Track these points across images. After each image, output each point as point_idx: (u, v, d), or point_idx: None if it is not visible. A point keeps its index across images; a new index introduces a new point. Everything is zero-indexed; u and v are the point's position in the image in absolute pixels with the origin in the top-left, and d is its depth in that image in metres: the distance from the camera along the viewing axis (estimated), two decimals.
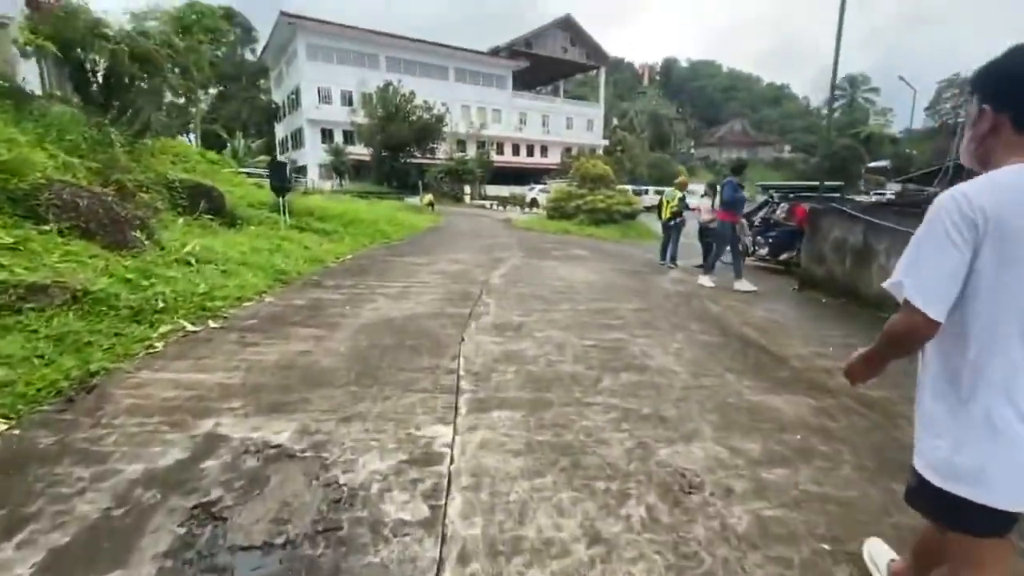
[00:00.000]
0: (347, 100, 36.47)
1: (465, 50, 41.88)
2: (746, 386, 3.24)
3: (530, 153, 46.87)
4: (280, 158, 8.53)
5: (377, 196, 24.25)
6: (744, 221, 8.31)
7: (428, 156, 29.87)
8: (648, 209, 25.13)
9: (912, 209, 4.98)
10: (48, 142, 6.16)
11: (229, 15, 48.64)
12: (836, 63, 6.60)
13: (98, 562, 1.60)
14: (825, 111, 69.30)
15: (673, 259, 9.24)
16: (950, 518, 1.12)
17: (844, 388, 3.28)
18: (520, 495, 2.02)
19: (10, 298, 3.49)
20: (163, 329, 4.05)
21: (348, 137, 34.91)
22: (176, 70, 7.69)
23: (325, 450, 2.34)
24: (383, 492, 2.03)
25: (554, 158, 45.67)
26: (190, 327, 4.21)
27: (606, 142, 48.46)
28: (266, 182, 10.98)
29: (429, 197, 23.29)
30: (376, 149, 28.52)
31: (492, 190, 35.28)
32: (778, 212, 9.73)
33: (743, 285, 6.49)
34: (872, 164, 53.89)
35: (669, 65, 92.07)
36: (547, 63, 45.89)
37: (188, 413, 2.72)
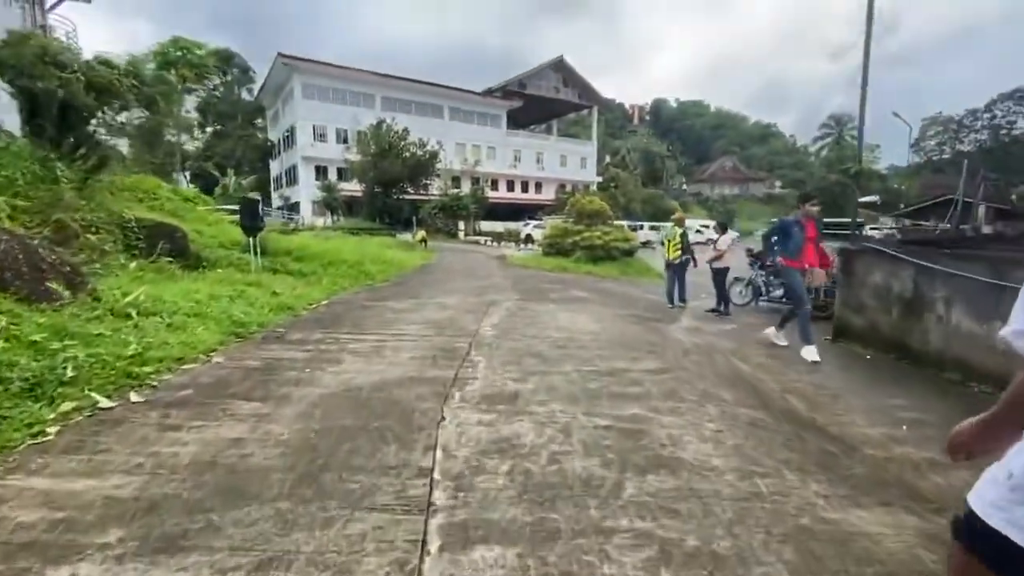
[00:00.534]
0: (342, 138, 36.68)
1: (460, 90, 42.59)
2: (817, 493, 2.41)
3: (524, 189, 47.07)
4: (252, 195, 7.76)
5: (369, 232, 23.70)
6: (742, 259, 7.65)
7: (422, 192, 29.63)
8: (644, 244, 24.74)
9: (966, 251, 4.28)
10: None
11: (227, 56, 49.97)
12: (864, 86, 6.08)
13: None
14: (812, 148, 70.87)
15: (682, 299, 8.65)
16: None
17: (949, 494, 2.46)
18: None
19: None
20: (65, 407, 3.21)
21: (343, 174, 34.86)
22: (142, 103, 7.09)
23: None
24: None
25: (548, 194, 45.86)
26: (104, 402, 3.37)
27: (599, 179, 48.90)
28: None
29: (422, 233, 22.77)
30: (369, 185, 28.22)
31: (487, 226, 35.03)
32: None
33: (810, 354, 4.84)
34: (863, 199, 54.45)
35: (658, 105, 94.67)
36: (540, 103, 46.76)
37: (38, 556, 1.86)
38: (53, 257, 4.69)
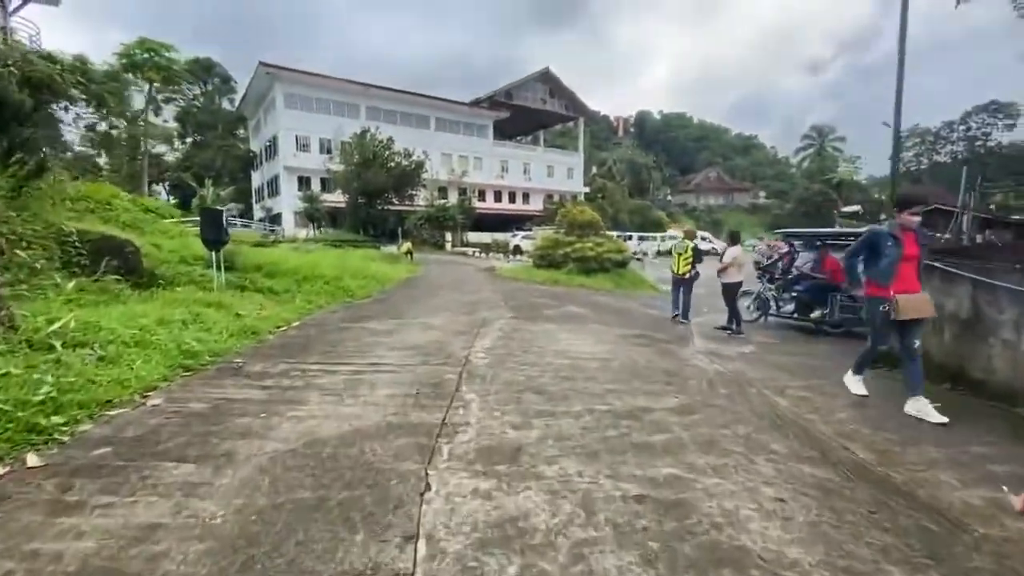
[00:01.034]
0: (326, 148, 35.92)
1: (446, 100, 42.20)
2: None
3: (512, 200, 46.67)
4: (216, 206, 6.93)
5: (352, 244, 22.86)
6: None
7: (407, 203, 28.89)
8: (634, 256, 24.31)
9: None
10: None
11: (207, 65, 49.00)
12: (899, 96, 5.63)
13: None
14: (795, 159, 71.92)
15: (685, 314, 8.11)
16: None
17: None
18: None
19: None
20: None
21: (326, 185, 34.07)
22: (89, 101, 6.32)
23: None
24: None
25: (536, 205, 45.51)
26: None
27: (587, 189, 48.78)
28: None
29: (407, 245, 22.01)
30: (352, 196, 27.41)
31: (474, 237, 34.43)
32: (797, 261, 8.60)
33: (856, 386, 4.10)
34: (845, 209, 55.23)
35: (642, 117, 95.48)
36: (527, 113, 46.60)
37: None
38: None
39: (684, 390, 4.07)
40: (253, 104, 43.45)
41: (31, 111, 5.83)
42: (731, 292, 7.11)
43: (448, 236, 32.89)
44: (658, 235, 39.81)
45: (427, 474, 2.59)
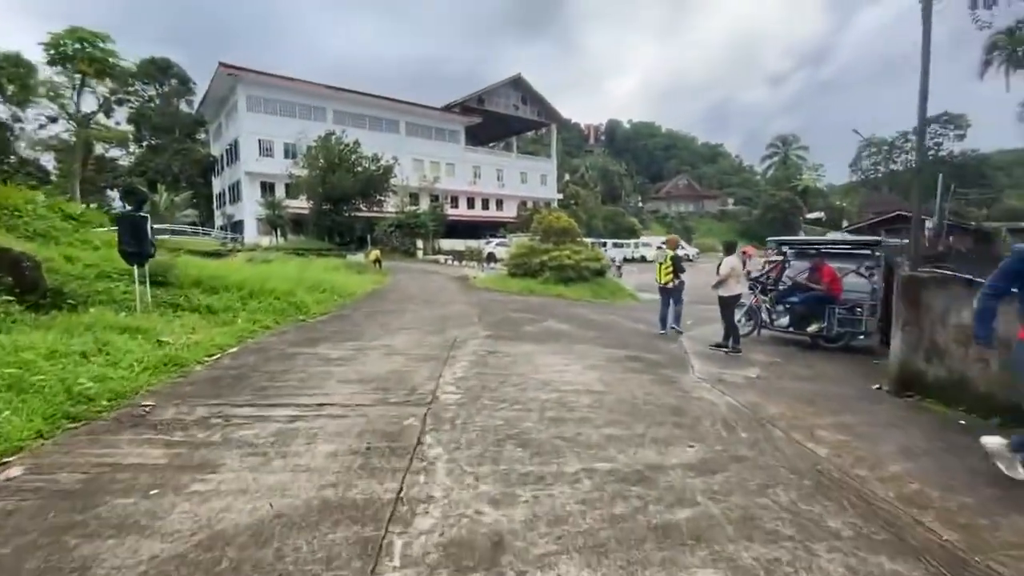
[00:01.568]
0: (291, 153, 34.37)
1: (416, 104, 41.21)
2: None
3: (485, 206, 45.94)
4: (138, 213, 5.78)
5: (316, 253, 21.62)
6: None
7: (376, 209, 27.72)
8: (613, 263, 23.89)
9: None
10: None
11: (164, 66, 46.61)
12: (924, 101, 5.16)
13: None
14: (760, 167, 73.81)
15: (676, 322, 7.70)
16: None
17: None
18: None
19: None
20: None
21: (291, 191, 32.53)
22: None
23: None
24: None
25: (510, 211, 44.89)
26: None
27: (560, 196, 48.53)
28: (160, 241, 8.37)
29: (376, 253, 20.92)
30: (317, 202, 26.08)
31: (447, 244, 33.48)
32: (788, 270, 8.14)
33: (1015, 470, 2.85)
34: (810, 215, 56.85)
35: (613, 126, 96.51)
36: (499, 120, 46.08)
37: None
38: None
39: (698, 434, 3.37)
40: (214, 107, 41.52)
41: None
42: (729, 306, 6.51)
43: (420, 243, 31.85)
44: (632, 242, 39.77)
45: None
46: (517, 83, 45.96)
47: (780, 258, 8.24)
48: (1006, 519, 2.39)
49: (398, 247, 30.40)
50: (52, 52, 18.89)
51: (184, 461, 2.89)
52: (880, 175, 59.29)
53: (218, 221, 41.45)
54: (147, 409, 3.73)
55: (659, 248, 8.03)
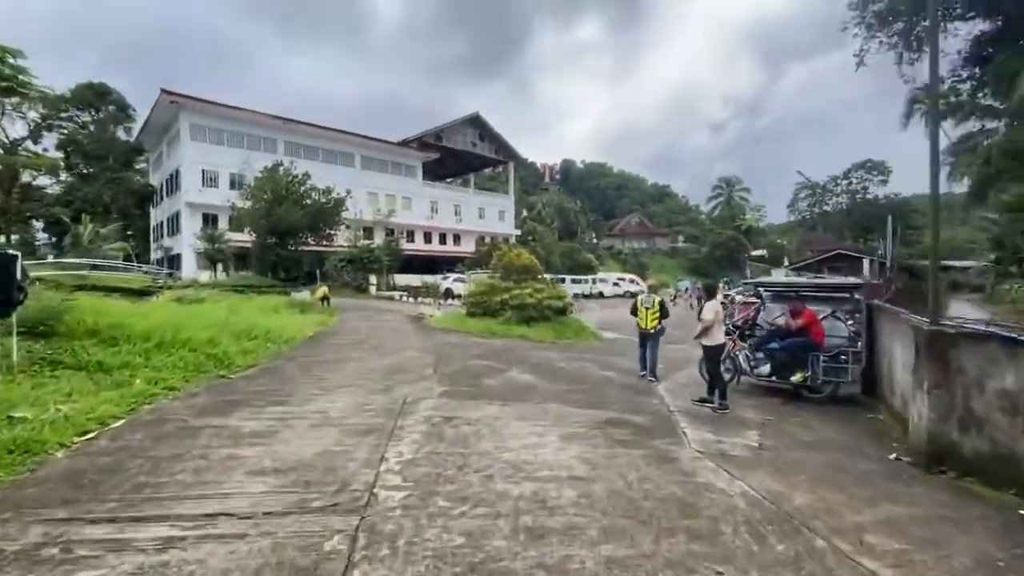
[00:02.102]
0: (237, 184, 32.53)
1: (372, 138, 40.55)
2: None
3: (443, 241, 45.20)
4: (10, 251, 4.62)
5: (257, 290, 19.90)
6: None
7: (326, 243, 26.27)
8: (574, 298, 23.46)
9: None
10: None
11: (101, 91, 43.86)
12: (936, 137, 4.70)
13: None
14: (706, 207, 77.53)
15: (653, 371, 7.11)
16: None
17: None
18: None
19: None
20: None
21: (233, 223, 30.56)
22: None
23: None
24: None
25: (468, 247, 44.34)
26: None
27: (518, 232, 48.60)
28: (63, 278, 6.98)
29: (323, 290, 19.48)
30: (261, 235, 24.40)
31: (402, 279, 32.24)
32: (763, 313, 7.76)
33: None
34: (754, 253, 59.70)
35: (567, 166, 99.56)
36: (457, 156, 46.16)
37: None
38: None
39: (722, 550, 2.59)
40: (155, 135, 39.28)
41: None
42: (715, 356, 5.90)
43: (373, 279, 30.44)
44: (589, 277, 39.91)
45: None
46: (475, 121, 46.39)
47: (756, 300, 7.87)
48: None
49: (349, 283, 28.86)
50: None
51: None
52: (815, 216, 63.72)
53: (154, 255, 38.44)
54: None
55: (645, 291, 7.52)
